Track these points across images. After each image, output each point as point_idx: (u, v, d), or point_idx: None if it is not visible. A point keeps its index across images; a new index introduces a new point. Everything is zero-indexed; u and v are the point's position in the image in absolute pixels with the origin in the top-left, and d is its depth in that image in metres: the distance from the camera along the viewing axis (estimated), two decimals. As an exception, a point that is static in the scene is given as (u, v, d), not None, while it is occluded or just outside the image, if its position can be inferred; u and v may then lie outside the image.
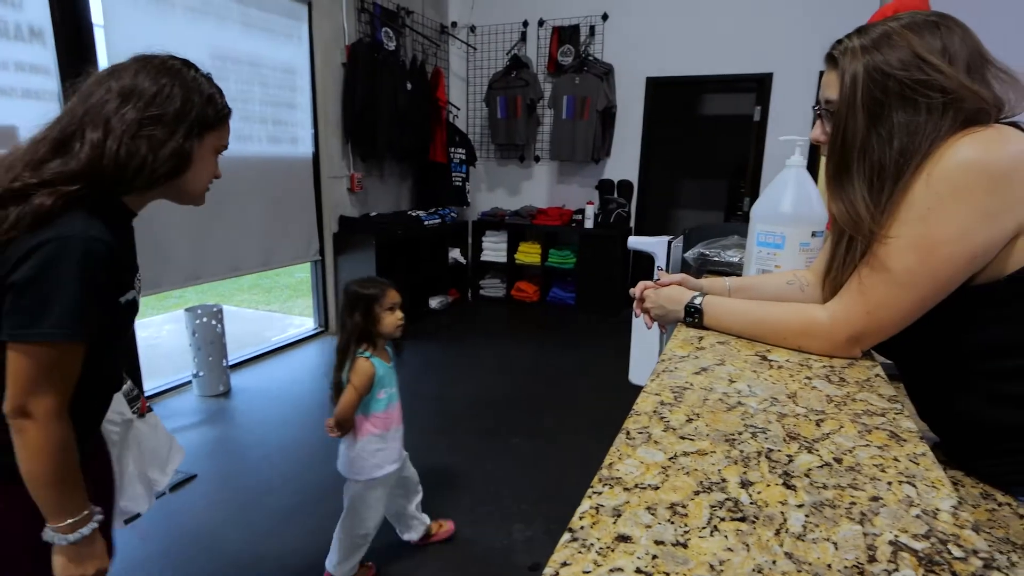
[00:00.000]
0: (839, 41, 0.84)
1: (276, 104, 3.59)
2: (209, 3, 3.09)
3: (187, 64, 0.96)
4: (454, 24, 5.19)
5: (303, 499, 2.20)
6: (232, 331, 3.35)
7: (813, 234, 1.10)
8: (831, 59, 0.85)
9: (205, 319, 3.03)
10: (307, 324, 4.39)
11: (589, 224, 4.80)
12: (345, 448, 1.68)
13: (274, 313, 5.39)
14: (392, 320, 1.62)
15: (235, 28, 3.26)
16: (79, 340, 0.84)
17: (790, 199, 1.12)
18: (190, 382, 3.14)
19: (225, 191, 3.17)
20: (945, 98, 0.74)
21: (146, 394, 3.02)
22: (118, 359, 1.08)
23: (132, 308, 0.99)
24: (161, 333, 4.55)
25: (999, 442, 0.80)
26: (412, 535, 1.92)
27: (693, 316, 0.99)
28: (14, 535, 0.92)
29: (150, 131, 0.88)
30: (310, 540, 1.96)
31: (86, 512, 0.91)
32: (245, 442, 2.66)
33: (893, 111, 0.77)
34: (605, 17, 4.68)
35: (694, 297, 1.00)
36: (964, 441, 0.86)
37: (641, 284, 1.11)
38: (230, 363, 3.27)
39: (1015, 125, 0.75)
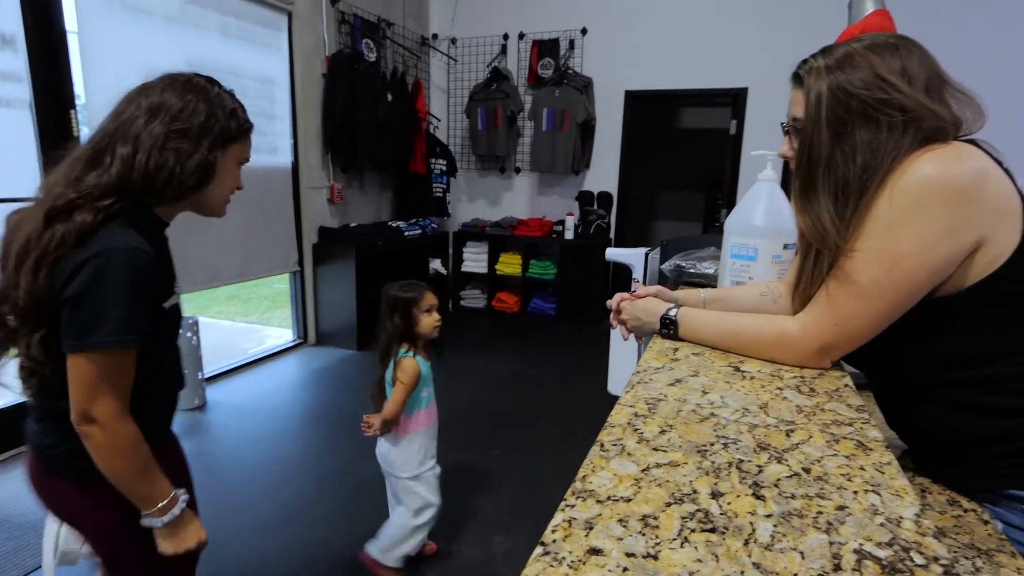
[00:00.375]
0: (805, 61, 0.87)
1: (255, 114, 3.52)
2: (187, 12, 3.06)
3: (211, 81, 1.02)
4: (435, 36, 5.22)
5: (281, 515, 2.17)
6: (208, 343, 3.29)
7: (785, 246, 1.13)
8: (797, 78, 0.87)
9: (180, 331, 2.98)
10: (286, 336, 4.33)
11: (569, 235, 4.83)
12: (390, 446, 1.75)
13: (252, 325, 5.32)
14: (429, 321, 1.69)
15: (214, 37, 3.24)
16: (131, 345, 0.91)
17: (762, 212, 1.14)
18: (164, 395, 3.08)
19: (202, 201, 3.14)
20: (905, 116, 0.77)
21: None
22: (177, 360, 1.16)
23: (176, 313, 1.07)
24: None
25: (963, 450, 0.82)
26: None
27: (668, 327, 1.00)
28: (113, 524, 1.02)
29: (177, 144, 0.94)
30: (288, 556, 1.92)
31: (172, 495, 1.00)
32: (220, 457, 2.61)
33: (856, 128, 0.80)
34: (584, 31, 4.75)
35: (669, 309, 1.01)
36: (930, 449, 0.88)
37: (618, 296, 1.13)
38: (206, 376, 3.21)
39: (973, 142, 0.78)
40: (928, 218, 0.73)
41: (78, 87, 2.65)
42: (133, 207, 0.93)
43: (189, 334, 3.01)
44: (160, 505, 0.98)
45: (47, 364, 0.90)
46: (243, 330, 5.07)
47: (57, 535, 1.05)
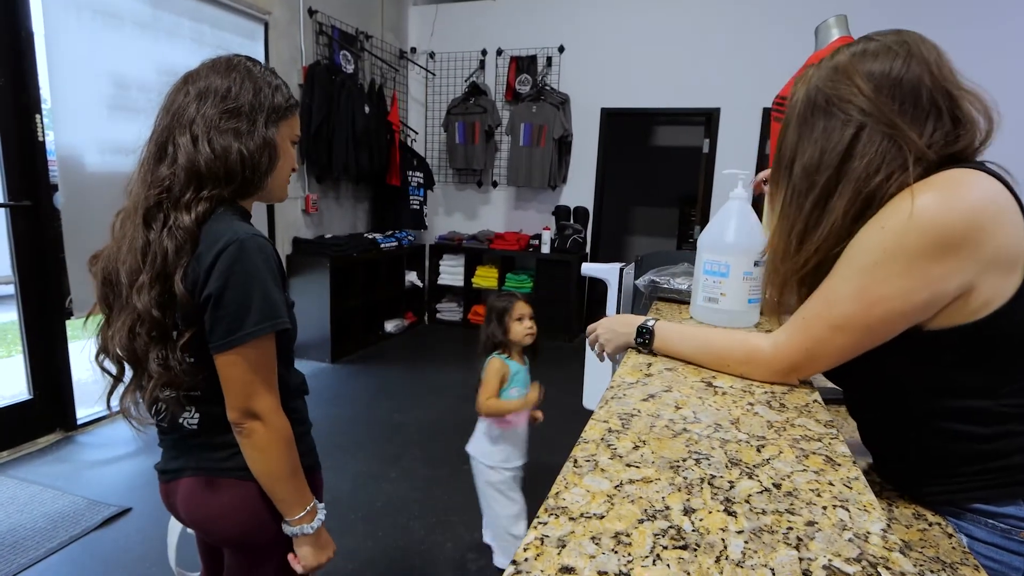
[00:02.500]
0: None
1: (229, 123, 3.52)
2: (159, 19, 3.02)
3: (252, 60, 1.00)
4: (413, 50, 5.23)
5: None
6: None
7: (756, 263, 1.14)
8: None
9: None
10: (256, 348, 4.25)
11: (546, 249, 4.85)
12: (477, 431, 1.88)
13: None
14: (520, 329, 1.82)
15: (187, 45, 3.20)
16: (282, 326, 0.91)
17: (733, 230, 1.16)
18: (127, 409, 2.98)
19: (172, 210, 3.07)
20: (863, 117, 0.76)
21: (79, 422, 2.85)
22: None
23: (291, 305, 1.03)
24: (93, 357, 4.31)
25: (934, 469, 0.83)
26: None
27: (644, 337, 1.00)
28: (258, 530, 0.99)
29: (233, 124, 0.92)
30: None
31: (314, 502, 0.98)
32: (185, 473, 2.53)
33: (815, 122, 0.81)
34: (562, 49, 4.82)
35: (647, 320, 1.02)
36: (900, 466, 0.90)
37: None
38: (172, 389, 3.12)
39: (983, 166, 0.74)
40: (912, 268, 0.71)
41: (44, 91, 2.59)
42: (228, 200, 0.94)
43: (155, 346, 2.93)
44: (306, 511, 0.96)
45: (191, 372, 0.90)
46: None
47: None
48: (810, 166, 0.80)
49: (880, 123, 0.75)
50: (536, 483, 1.82)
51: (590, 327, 1.14)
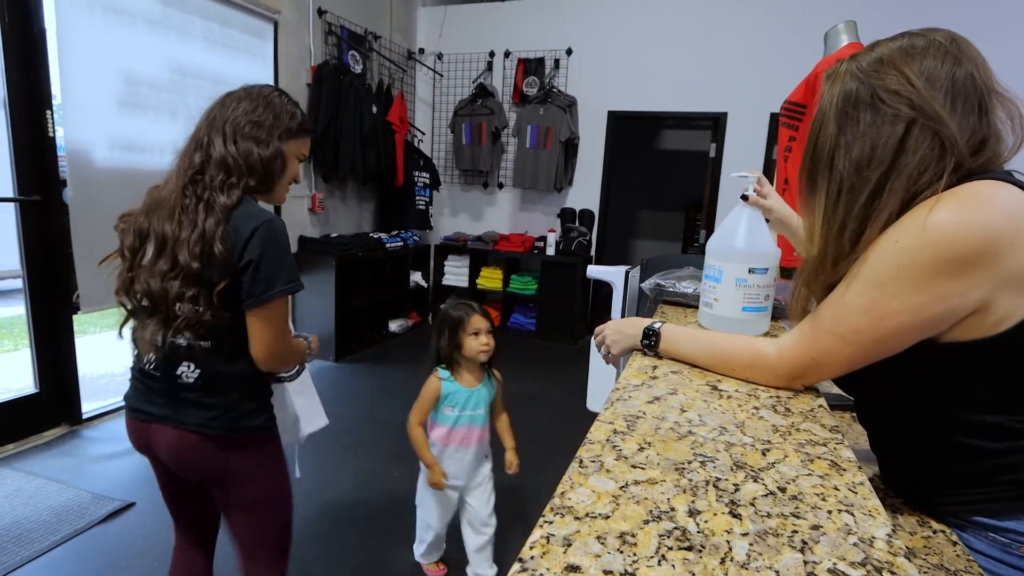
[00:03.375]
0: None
1: (237, 121, 3.53)
2: (170, 16, 3.04)
3: (278, 90, 1.29)
4: (421, 51, 5.25)
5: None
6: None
7: (751, 271, 1.13)
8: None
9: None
10: (260, 346, 4.26)
11: (551, 251, 4.86)
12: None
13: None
14: (475, 344, 1.67)
15: (197, 43, 3.22)
16: (300, 288, 1.19)
17: (731, 234, 1.15)
18: (132, 405, 3.00)
19: (179, 207, 3.09)
20: (912, 113, 0.72)
21: (84, 416, 2.87)
22: None
23: None
24: (102, 352, 4.34)
25: (941, 481, 0.82)
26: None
27: (650, 339, 1.00)
28: (274, 479, 1.31)
29: (254, 133, 1.19)
30: None
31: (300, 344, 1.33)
32: (189, 468, 2.54)
33: (859, 116, 0.77)
34: (569, 52, 4.83)
35: (653, 322, 1.02)
36: (908, 475, 0.89)
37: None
38: (176, 385, 3.14)
39: (1011, 176, 0.71)
40: (925, 282, 0.69)
41: (55, 87, 2.61)
42: (252, 193, 1.19)
43: (161, 342, 2.94)
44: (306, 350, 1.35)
45: (212, 319, 1.11)
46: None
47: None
48: (861, 161, 0.76)
49: (930, 119, 0.72)
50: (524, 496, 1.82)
51: (597, 329, 1.14)
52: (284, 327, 1.19)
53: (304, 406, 1.45)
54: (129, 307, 1.18)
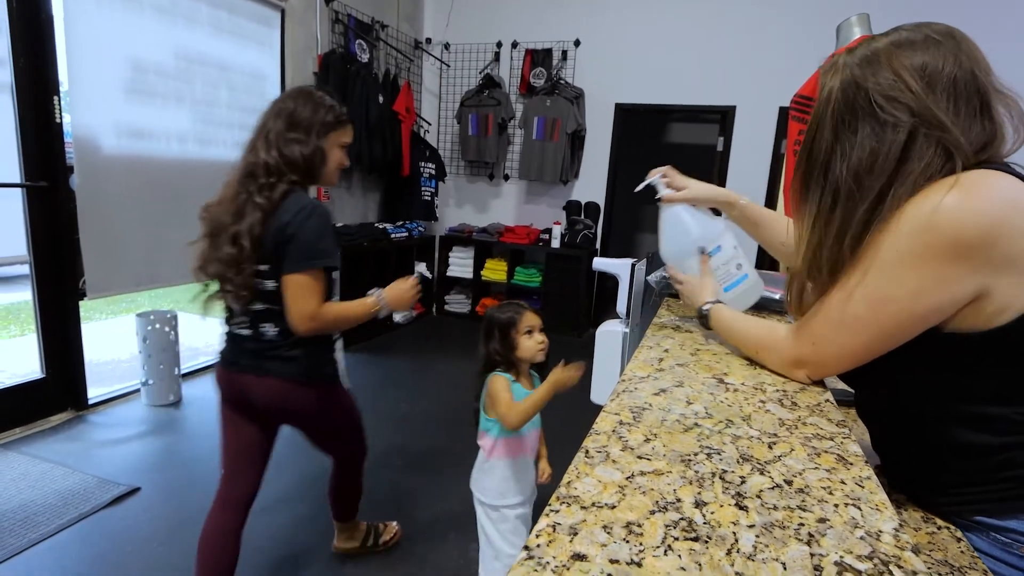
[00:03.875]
0: (832, 57, 0.83)
1: (243, 109, 3.53)
2: (178, 4, 3.03)
3: (318, 87, 1.50)
4: (428, 40, 5.22)
5: (253, 515, 2.12)
6: (186, 339, 3.24)
7: (709, 255, 1.17)
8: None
9: (158, 325, 2.92)
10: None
11: (556, 244, 4.85)
12: (478, 461, 1.62)
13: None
14: (531, 344, 1.55)
15: (204, 30, 3.21)
16: (333, 264, 1.41)
17: (671, 238, 1.24)
18: (138, 390, 3.02)
19: (184, 193, 3.09)
20: (913, 120, 0.71)
21: (90, 402, 2.89)
22: None
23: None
24: (108, 338, 4.36)
25: (942, 478, 0.82)
26: None
27: (704, 317, 1.08)
28: (339, 420, 1.68)
29: (295, 135, 1.41)
30: (263, 557, 1.89)
31: (372, 298, 1.53)
32: (194, 455, 2.56)
33: (858, 125, 0.75)
34: (577, 43, 4.79)
35: (705, 304, 1.08)
36: (910, 472, 0.89)
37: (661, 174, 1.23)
38: (182, 372, 3.16)
39: (1007, 166, 0.71)
40: (924, 267, 0.69)
41: (62, 74, 2.61)
42: (299, 184, 1.41)
43: (166, 329, 2.96)
44: (371, 308, 1.51)
45: (263, 290, 1.37)
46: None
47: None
48: (860, 169, 0.75)
49: (933, 127, 0.70)
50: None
51: (680, 277, 1.18)
52: (313, 298, 1.36)
53: (340, 364, 1.68)
54: (206, 283, 1.43)
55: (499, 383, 1.52)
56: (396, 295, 1.53)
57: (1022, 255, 0.67)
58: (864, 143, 0.74)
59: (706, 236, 1.17)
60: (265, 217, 1.33)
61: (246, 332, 1.44)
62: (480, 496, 1.60)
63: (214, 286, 1.42)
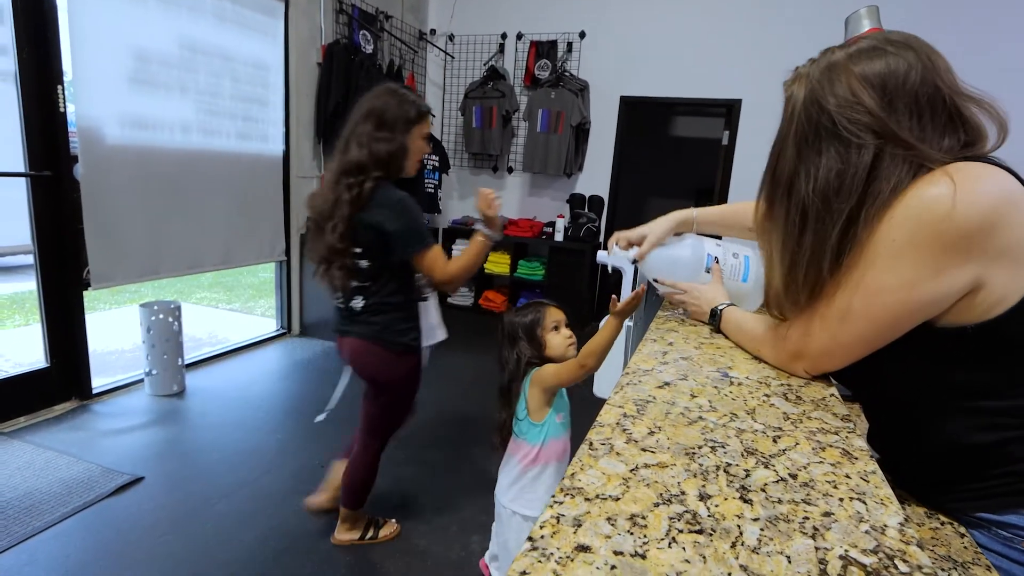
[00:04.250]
0: (796, 68, 0.83)
1: (247, 100, 3.52)
2: (182, -7, 3.02)
3: (399, 85, 1.71)
4: (433, 31, 5.20)
5: (256, 506, 2.14)
6: (190, 329, 3.24)
7: (707, 270, 1.20)
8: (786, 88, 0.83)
9: (161, 316, 2.93)
10: (269, 325, 4.28)
11: (559, 237, 4.83)
12: (505, 470, 1.49)
13: (235, 312, 5.25)
14: (560, 340, 1.46)
15: (208, 20, 3.20)
16: (433, 244, 1.63)
17: (670, 273, 1.25)
18: (142, 380, 3.03)
19: (187, 184, 3.09)
20: (878, 141, 0.71)
21: (94, 391, 2.90)
22: None
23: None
24: (112, 329, 4.38)
25: (940, 474, 0.82)
26: None
27: (715, 319, 1.10)
28: (396, 391, 1.83)
29: (380, 134, 1.60)
30: (261, 548, 1.90)
31: (477, 237, 1.71)
32: (197, 445, 2.57)
33: (822, 147, 0.74)
34: (583, 35, 4.76)
35: (719, 305, 1.10)
36: (909, 467, 0.89)
37: (684, 285, 1.20)
38: (186, 362, 3.17)
39: (993, 162, 0.71)
40: (918, 257, 0.69)
41: (66, 63, 2.60)
42: (387, 178, 1.62)
43: (170, 319, 2.96)
44: (481, 242, 1.69)
45: (360, 272, 1.64)
46: (226, 317, 5.01)
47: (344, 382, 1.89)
48: (828, 191, 0.74)
49: (899, 147, 0.70)
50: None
51: (682, 285, 1.19)
52: (440, 264, 1.62)
53: (434, 319, 2.05)
54: (315, 264, 1.68)
55: (547, 368, 1.42)
56: (489, 217, 1.67)
57: (1017, 246, 0.67)
58: (830, 164, 0.74)
59: (696, 253, 1.18)
60: (355, 210, 1.55)
61: (343, 305, 1.71)
62: (526, 511, 1.44)
63: (322, 267, 1.66)
